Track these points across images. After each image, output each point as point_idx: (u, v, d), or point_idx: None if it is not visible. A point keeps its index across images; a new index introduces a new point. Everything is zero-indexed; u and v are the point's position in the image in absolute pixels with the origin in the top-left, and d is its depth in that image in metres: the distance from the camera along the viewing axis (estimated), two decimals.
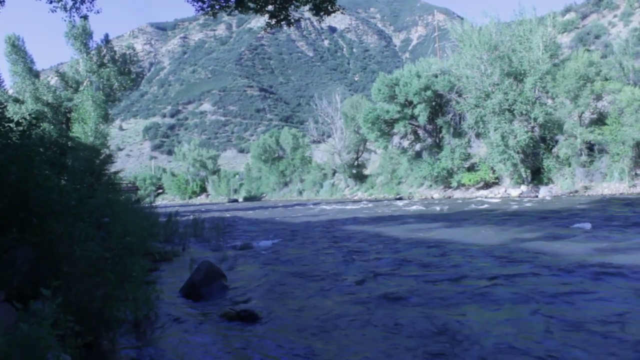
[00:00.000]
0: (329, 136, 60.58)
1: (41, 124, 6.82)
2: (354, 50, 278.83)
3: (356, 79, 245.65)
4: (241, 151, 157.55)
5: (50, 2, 10.37)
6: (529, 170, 32.42)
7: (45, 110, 31.24)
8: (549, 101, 32.52)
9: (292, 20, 11.39)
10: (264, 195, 69.68)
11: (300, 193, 61.50)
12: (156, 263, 9.35)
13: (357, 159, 56.54)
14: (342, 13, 11.81)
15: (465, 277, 7.03)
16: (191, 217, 17.88)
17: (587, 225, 11.93)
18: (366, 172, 55.32)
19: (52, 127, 29.09)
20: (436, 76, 38.83)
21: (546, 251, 8.82)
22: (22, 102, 31.32)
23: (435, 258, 8.85)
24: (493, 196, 32.84)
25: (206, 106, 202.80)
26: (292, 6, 11.03)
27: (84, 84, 33.19)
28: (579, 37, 70.43)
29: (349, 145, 55.20)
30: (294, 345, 4.48)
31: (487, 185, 35.50)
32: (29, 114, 6.44)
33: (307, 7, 10.99)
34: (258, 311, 5.49)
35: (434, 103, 38.93)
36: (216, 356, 4.32)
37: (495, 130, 32.07)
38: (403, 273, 7.59)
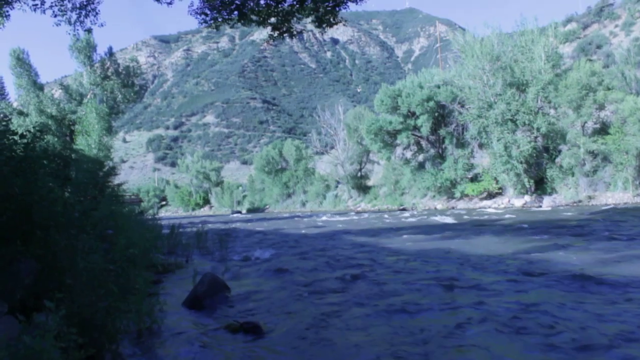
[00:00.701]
0: (332, 147, 60.66)
1: (45, 137, 6.85)
2: (357, 61, 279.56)
3: (359, 90, 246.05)
4: (244, 163, 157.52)
5: (55, 16, 10.44)
6: (532, 180, 32.37)
7: (49, 122, 31.33)
8: (552, 111, 32.54)
9: (295, 32, 11.43)
10: (268, 206, 69.63)
11: (304, 204, 61.45)
12: (159, 275, 9.33)
13: (360, 170, 56.53)
14: (344, 25, 11.87)
15: (474, 290, 6.99)
16: (194, 229, 17.87)
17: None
18: (369, 183, 55.29)
19: (56, 139, 29.20)
20: (439, 87, 38.90)
21: (553, 261, 8.78)
22: (27, 115, 31.45)
23: (438, 270, 8.81)
24: (497, 206, 32.78)
25: (209, 118, 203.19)
26: (295, 18, 11.07)
27: (88, 96, 33.32)
28: (580, 47, 70.46)
29: (352, 156, 55.23)
30: (297, 357, 4.46)
31: (491, 196, 35.43)
32: (33, 127, 6.47)
33: (309, 19, 11.03)
34: (261, 323, 5.46)
35: (436, 114, 38.99)
36: None
37: (498, 140, 32.06)
38: (409, 285, 7.55)
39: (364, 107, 62.20)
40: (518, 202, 32.14)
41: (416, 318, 5.54)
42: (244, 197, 79.42)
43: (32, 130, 5.78)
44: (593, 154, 29.98)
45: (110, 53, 34.77)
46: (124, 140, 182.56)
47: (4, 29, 11.13)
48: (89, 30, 11.40)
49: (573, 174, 30.62)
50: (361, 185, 54.62)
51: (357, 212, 41.15)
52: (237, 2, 10.49)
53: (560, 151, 31.95)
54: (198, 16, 10.55)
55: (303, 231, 21.74)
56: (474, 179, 37.34)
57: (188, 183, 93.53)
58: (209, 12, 10.55)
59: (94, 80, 33.23)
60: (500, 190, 35.16)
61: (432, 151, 41.63)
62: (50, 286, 4.30)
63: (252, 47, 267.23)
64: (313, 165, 65.91)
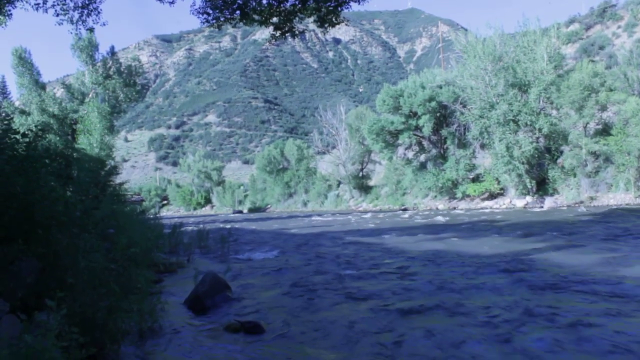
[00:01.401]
0: (333, 147, 60.59)
1: (47, 136, 6.86)
2: (359, 61, 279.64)
3: (361, 90, 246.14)
4: (246, 162, 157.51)
5: (57, 15, 10.45)
6: (534, 181, 32.34)
7: (51, 121, 31.37)
8: (554, 112, 32.50)
9: (297, 32, 11.44)
10: (269, 206, 69.60)
11: (305, 204, 61.43)
12: (161, 274, 9.34)
13: (361, 170, 56.49)
14: (346, 25, 11.88)
15: (474, 291, 6.99)
16: (196, 228, 17.88)
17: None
18: (371, 183, 55.24)
19: (58, 138, 29.19)
20: (440, 87, 38.84)
21: (557, 262, 8.77)
22: (29, 114, 31.48)
23: (440, 271, 8.80)
24: (498, 207, 32.74)
25: (211, 117, 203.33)
26: (297, 18, 11.07)
27: (90, 95, 33.35)
28: (583, 48, 70.34)
29: (353, 156, 55.18)
30: (299, 357, 4.45)
31: (492, 196, 35.39)
32: (35, 126, 6.48)
33: (311, 19, 11.03)
34: (263, 323, 5.46)
35: (438, 114, 38.94)
36: None
37: (500, 141, 32.02)
38: (409, 285, 7.55)
39: (366, 107, 62.12)
40: (520, 203, 32.09)
41: (421, 319, 5.54)
42: (246, 196, 79.35)
43: (34, 129, 5.79)
44: (595, 155, 29.94)
45: (112, 52, 34.80)
46: (126, 140, 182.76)
47: (6, 28, 11.14)
48: (91, 30, 11.39)
49: (575, 175, 30.58)
50: (363, 185, 54.58)
51: (359, 212, 41.13)
52: (239, 1, 10.50)
53: (562, 152, 31.90)
54: (200, 15, 10.56)
55: (304, 231, 21.74)
56: (476, 179, 37.30)
57: (189, 182, 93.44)
58: (211, 12, 10.55)
59: (96, 80, 33.24)
60: (502, 191, 35.11)
61: (434, 151, 41.59)
62: (52, 285, 4.30)
63: (254, 46, 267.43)
64: (315, 165, 65.83)
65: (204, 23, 10.81)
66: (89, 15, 10.76)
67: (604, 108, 29.98)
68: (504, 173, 32.70)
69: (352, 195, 54.70)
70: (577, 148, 30.19)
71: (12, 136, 5.45)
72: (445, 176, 37.63)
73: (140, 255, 7.56)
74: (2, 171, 4.74)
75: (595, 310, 5.47)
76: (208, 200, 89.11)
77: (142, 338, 5.10)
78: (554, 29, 33.61)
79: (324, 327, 5.38)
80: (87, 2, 10.58)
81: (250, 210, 70.18)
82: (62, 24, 10.62)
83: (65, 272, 4.51)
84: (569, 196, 29.86)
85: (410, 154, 43.85)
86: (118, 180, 26.43)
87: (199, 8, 10.40)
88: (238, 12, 10.63)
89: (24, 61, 32.89)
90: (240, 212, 69.51)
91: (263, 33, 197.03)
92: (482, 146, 36.78)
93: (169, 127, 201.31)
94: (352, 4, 10.42)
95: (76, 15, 10.65)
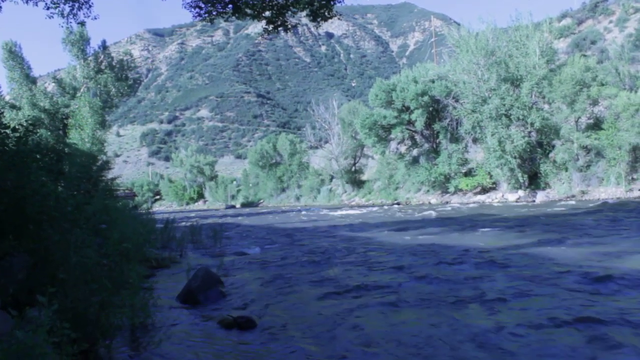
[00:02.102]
0: (326, 142, 60.58)
1: (38, 131, 6.82)
2: (351, 56, 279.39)
3: (353, 84, 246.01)
4: (238, 157, 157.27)
5: (48, 9, 10.37)
6: (526, 175, 32.50)
7: (42, 116, 31.21)
8: (546, 106, 32.65)
9: (290, 26, 11.41)
10: (262, 201, 69.59)
11: (298, 199, 61.47)
12: (153, 269, 9.31)
13: (354, 164, 56.54)
14: (339, 19, 11.85)
15: (466, 284, 7.02)
16: (188, 223, 17.85)
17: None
18: (363, 177, 55.32)
19: (49, 133, 29.08)
20: (433, 82, 38.89)
21: (550, 257, 8.83)
22: (19, 109, 31.31)
23: (430, 265, 8.83)
24: (490, 201, 32.90)
25: (203, 112, 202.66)
26: (289, 12, 11.05)
27: (81, 90, 33.18)
28: (575, 43, 70.54)
29: (346, 150, 55.22)
30: (291, 351, 4.46)
31: (485, 190, 35.54)
32: (26, 121, 6.43)
33: (304, 13, 11.01)
34: (255, 317, 5.47)
35: (431, 108, 39.00)
36: None
37: (492, 135, 32.14)
38: (400, 279, 7.58)
39: (359, 101, 62.08)
40: (512, 197, 32.25)
41: (413, 312, 5.56)
42: (238, 191, 79.29)
43: (24, 124, 5.75)
44: (586, 149, 30.13)
45: (104, 46, 34.63)
46: (118, 134, 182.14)
47: None
48: (82, 23, 11.31)
49: (566, 169, 30.76)
50: (355, 180, 54.65)
51: (351, 207, 41.19)
52: None
53: (554, 146, 32.06)
54: (192, 9, 10.52)
55: (296, 225, 21.77)
56: (468, 173, 37.45)
57: (182, 177, 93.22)
58: (203, 6, 10.52)
59: (88, 74, 33.09)
60: (494, 185, 35.27)
61: (427, 146, 41.68)
62: (43, 281, 4.28)
63: (246, 40, 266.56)
64: (307, 159, 65.83)
65: (196, 17, 10.78)
66: (79, 8, 10.69)
67: (595, 102, 30.15)
68: (496, 167, 32.85)
69: (345, 189, 54.76)
70: (568, 142, 30.35)
71: (3, 131, 5.41)
72: (437, 170, 37.74)
73: (133, 251, 7.53)
74: None
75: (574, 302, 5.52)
76: (201, 195, 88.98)
77: (134, 333, 5.09)
78: (546, 24, 33.73)
79: (316, 321, 5.39)
80: None
81: (243, 205, 70.19)
82: (52, 17, 10.55)
83: (56, 268, 4.48)
84: (561, 190, 30.04)
85: (402, 149, 43.97)
86: (110, 175, 26.35)
87: (192, 2, 10.36)
88: (230, 6, 10.60)
89: (14, 55, 32.68)
90: (233, 207, 69.48)
91: (256, 27, 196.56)
92: (475, 140, 36.89)
93: (161, 121, 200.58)
94: None
95: (67, 8, 10.57)
